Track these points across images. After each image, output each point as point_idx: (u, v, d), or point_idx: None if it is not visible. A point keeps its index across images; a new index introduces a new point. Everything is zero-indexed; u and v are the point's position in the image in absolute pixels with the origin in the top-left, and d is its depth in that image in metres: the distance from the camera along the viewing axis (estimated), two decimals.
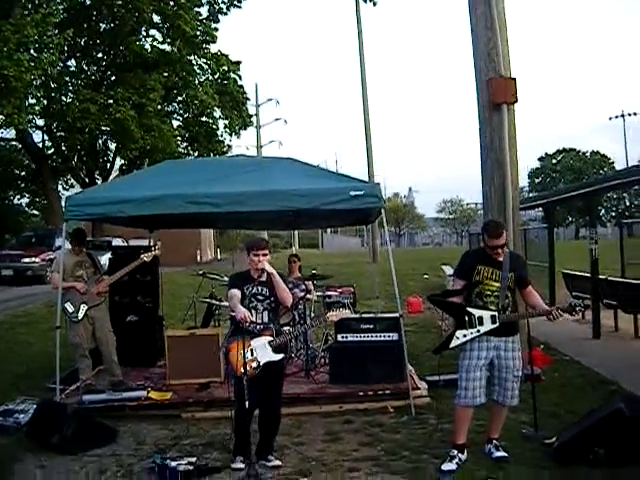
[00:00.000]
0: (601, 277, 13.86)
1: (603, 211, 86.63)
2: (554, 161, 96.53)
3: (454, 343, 6.73)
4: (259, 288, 6.92)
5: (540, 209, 21.60)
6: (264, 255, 6.90)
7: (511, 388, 6.77)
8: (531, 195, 71.57)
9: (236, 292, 6.83)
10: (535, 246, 18.57)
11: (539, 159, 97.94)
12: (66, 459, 7.24)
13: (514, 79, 10.44)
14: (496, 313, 6.67)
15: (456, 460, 6.69)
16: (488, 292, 6.74)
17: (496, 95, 10.29)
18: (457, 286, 6.97)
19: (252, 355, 6.67)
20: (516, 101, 10.47)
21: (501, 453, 6.81)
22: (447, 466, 6.63)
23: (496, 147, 10.37)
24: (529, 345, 8.40)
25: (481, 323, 6.66)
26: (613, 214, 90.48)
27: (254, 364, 6.68)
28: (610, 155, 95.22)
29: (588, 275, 14.27)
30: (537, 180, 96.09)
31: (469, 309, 6.73)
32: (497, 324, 6.65)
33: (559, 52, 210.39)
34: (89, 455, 7.35)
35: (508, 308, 6.78)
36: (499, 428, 7.01)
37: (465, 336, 6.68)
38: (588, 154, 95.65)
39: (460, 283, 6.93)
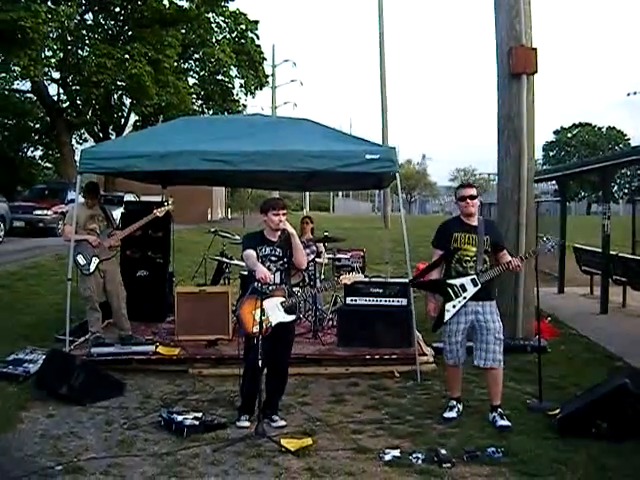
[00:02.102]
0: (612, 253, 13.83)
1: (616, 188, 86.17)
2: (569, 135, 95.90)
3: (447, 316, 7.04)
4: (272, 249, 6.91)
5: (553, 182, 21.49)
6: (284, 215, 6.90)
7: (492, 350, 7.00)
8: (545, 168, 71.23)
9: (252, 252, 6.82)
10: (546, 219, 18.51)
11: (554, 132, 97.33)
12: (73, 409, 7.32)
13: (535, 49, 10.34)
14: (475, 276, 6.96)
15: (455, 409, 7.20)
16: (467, 257, 7.03)
17: (516, 65, 10.20)
18: (435, 256, 7.28)
19: (264, 315, 6.70)
20: (536, 72, 10.38)
21: (505, 422, 6.84)
22: (449, 414, 7.14)
23: (514, 117, 10.32)
24: (537, 317, 8.46)
25: (464, 290, 6.97)
26: (626, 191, 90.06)
27: (266, 324, 6.70)
28: (626, 131, 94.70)
29: (599, 250, 14.24)
30: (552, 153, 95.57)
31: (449, 281, 7.05)
32: (479, 285, 6.94)
33: (579, 25, 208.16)
34: (96, 406, 7.43)
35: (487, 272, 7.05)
36: (498, 394, 7.12)
37: (454, 306, 7.00)
38: (604, 129, 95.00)
39: (437, 253, 7.27)
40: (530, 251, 7.58)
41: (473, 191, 7.18)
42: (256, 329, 6.62)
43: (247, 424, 6.80)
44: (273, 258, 6.92)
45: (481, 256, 7.01)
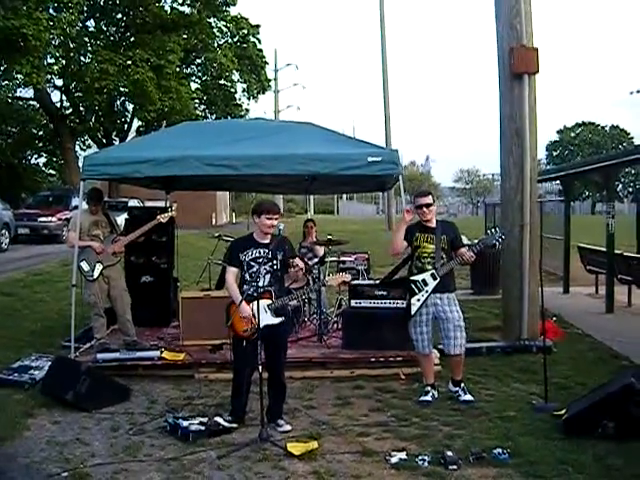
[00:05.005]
0: (616, 252, 13.80)
1: (620, 187, 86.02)
2: (572, 134, 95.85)
3: (414, 309, 7.75)
4: (260, 251, 6.93)
5: (557, 182, 21.43)
6: (276, 219, 6.97)
7: (453, 337, 7.69)
8: (548, 168, 71.16)
9: (234, 286, 7.01)
10: (551, 219, 18.49)
11: (557, 132, 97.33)
12: (79, 415, 7.33)
13: (536, 49, 10.34)
14: (433, 270, 7.67)
15: (430, 394, 7.85)
16: (425, 254, 7.76)
17: (518, 65, 10.22)
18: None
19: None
20: (537, 71, 10.39)
21: (468, 397, 7.76)
22: (424, 397, 7.80)
23: (516, 117, 10.32)
24: (542, 317, 8.46)
25: (426, 284, 7.70)
26: (630, 190, 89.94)
27: (250, 326, 6.73)
28: (629, 130, 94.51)
29: (603, 249, 14.21)
30: (555, 153, 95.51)
31: (412, 278, 7.80)
32: (438, 279, 7.65)
33: (581, 24, 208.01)
34: (102, 412, 7.44)
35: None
36: (460, 372, 7.95)
37: (419, 300, 7.72)
38: (607, 128, 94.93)
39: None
40: (480, 243, 7.97)
41: (429, 199, 7.86)
42: (244, 330, 6.71)
43: (225, 424, 6.81)
44: (261, 260, 6.92)
45: (439, 253, 7.72)
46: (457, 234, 8.00)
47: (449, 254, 7.79)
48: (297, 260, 7.33)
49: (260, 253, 6.93)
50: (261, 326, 6.70)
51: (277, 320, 6.92)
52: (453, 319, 7.67)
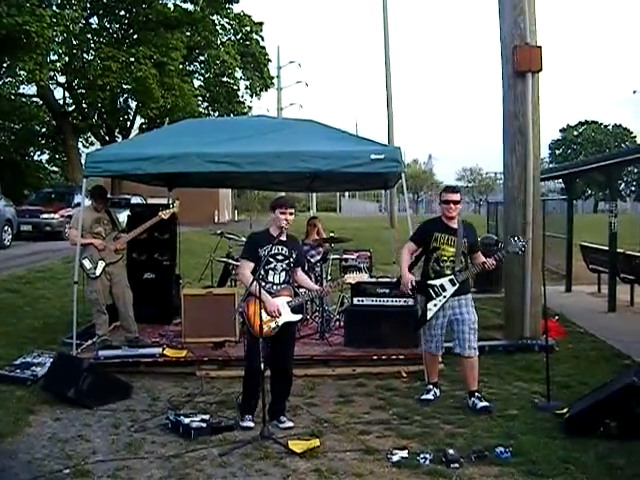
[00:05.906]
0: (619, 251, 13.79)
1: (623, 185, 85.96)
2: (575, 133, 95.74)
3: (430, 314, 7.53)
4: (279, 248, 6.89)
5: (559, 181, 21.43)
6: (291, 214, 6.92)
7: (468, 339, 7.48)
8: (551, 166, 71.06)
9: (249, 270, 6.89)
10: (553, 218, 18.47)
11: (560, 130, 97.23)
12: (81, 412, 7.32)
13: (539, 47, 10.32)
14: (452, 276, 7.44)
15: (432, 392, 7.80)
16: (445, 257, 7.51)
17: (521, 63, 10.19)
18: (407, 250, 7.72)
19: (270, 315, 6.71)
20: (541, 70, 10.36)
21: (484, 403, 7.37)
22: (426, 396, 7.74)
23: (519, 116, 10.30)
24: (544, 316, 8.45)
25: (444, 289, 7.46)
26: (633, 188, 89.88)
27: (272, 324, 6.71)
28: (633, 129, 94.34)
29: (606, 248, 14.20)
30: (558, 151, 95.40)
31: (430, 282, 7.53)
32: (457, 285, 7.44)
33: (585, 23, 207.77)
34: (103, 409, 7.43)
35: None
36: (475, 380, 7.58)
37: (436, 305, 7.50)
38: (610, 127, 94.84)
39: (411, 247, 7.76)
40: (503, 251, 7.72)
41: (457, 197, 7.61)
42: (265, 328, 6.63)
43: (252, 424, 6.79)
44: (279, 257, 6.91)
45: (459, 257, 7.49)
46: (476, 238, 7.87)
47: (467, 258, 7.63)
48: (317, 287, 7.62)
49: (278, 250, 6.91)
50: (281, 323, 6.76)
51: (296, 317, 6.97)
52: (469, 321, 7.46)
